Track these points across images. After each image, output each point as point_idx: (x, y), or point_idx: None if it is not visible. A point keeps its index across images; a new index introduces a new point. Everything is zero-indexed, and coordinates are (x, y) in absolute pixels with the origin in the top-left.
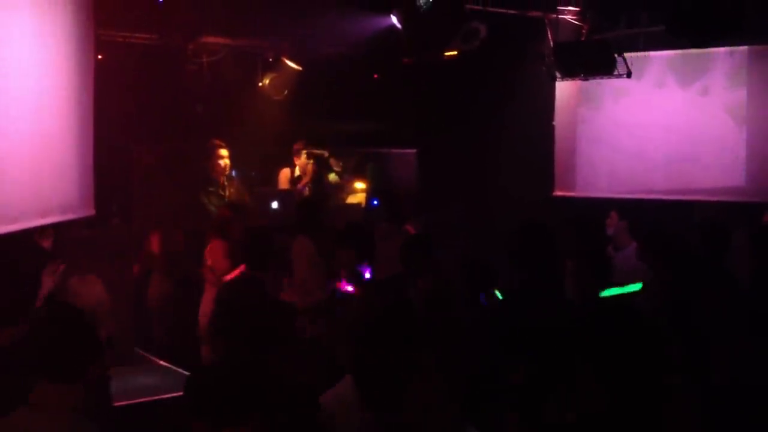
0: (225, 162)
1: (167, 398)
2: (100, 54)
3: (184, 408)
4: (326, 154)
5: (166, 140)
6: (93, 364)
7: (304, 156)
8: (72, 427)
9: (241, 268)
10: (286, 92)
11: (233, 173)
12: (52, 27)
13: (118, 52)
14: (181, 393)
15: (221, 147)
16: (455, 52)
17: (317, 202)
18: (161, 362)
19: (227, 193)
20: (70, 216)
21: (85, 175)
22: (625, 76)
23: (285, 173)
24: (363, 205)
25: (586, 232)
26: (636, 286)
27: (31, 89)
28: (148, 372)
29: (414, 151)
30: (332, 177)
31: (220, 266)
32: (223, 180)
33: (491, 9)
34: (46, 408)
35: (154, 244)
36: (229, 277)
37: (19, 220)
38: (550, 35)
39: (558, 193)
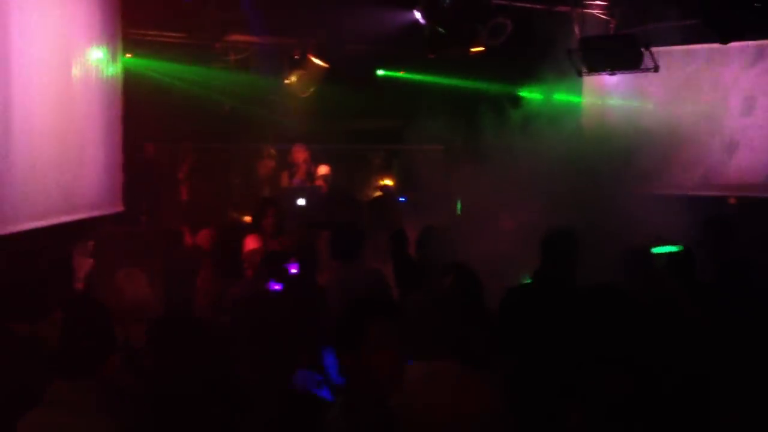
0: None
1: None
2: (128, 53)
3: None
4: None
5: (195, 138)
6: (105, 362)
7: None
8: (91, 425)
9: None
10: (312, 89)
11: None
12: (78, 25)
13: (146, 50)
14: None
15: (272, 156)
16: (481, 48)
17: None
18: None
19: None
20: (97, 213)
21: (113, 172)
22: (652, 70)
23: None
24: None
25: None
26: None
27: (56, 87)
28: None
29: (441, 147)
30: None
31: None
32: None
33: (518, 3)
34: (63, 406)
35: (204, 240)
36: None
37: (46, 216)
38: (576, 30)
39: None
